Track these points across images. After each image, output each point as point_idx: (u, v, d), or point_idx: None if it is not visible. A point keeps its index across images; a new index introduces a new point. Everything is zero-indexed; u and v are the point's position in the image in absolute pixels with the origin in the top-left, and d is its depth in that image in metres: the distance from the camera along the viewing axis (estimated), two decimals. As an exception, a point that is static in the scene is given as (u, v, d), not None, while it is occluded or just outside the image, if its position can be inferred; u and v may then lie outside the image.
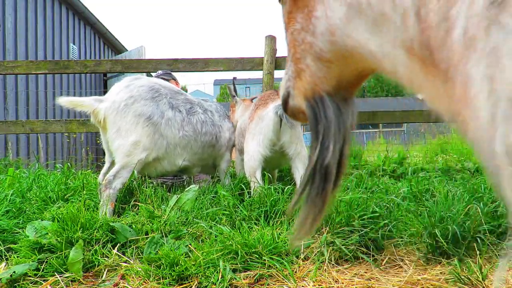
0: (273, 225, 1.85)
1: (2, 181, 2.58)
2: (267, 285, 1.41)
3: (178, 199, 2.06)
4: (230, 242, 1.58)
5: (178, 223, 1.86)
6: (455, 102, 0.40)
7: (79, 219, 1.67)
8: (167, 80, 3.22)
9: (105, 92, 2.44)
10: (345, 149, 0.73)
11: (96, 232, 1.67)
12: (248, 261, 1.52)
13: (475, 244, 1.61)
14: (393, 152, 4.51)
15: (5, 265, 1.57)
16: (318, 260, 1.57)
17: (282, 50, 3.79)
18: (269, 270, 1.48)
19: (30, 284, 1.44)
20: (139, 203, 2.10)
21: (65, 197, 2.32)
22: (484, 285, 1.35)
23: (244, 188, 2.38)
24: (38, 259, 1.54)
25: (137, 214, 1.97)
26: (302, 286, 1.39)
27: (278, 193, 2.13)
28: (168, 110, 2.41)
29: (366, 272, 1.52)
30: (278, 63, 3.72)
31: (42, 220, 1.84)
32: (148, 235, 1.74)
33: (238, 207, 2.07)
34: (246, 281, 1.42)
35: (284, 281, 1.42)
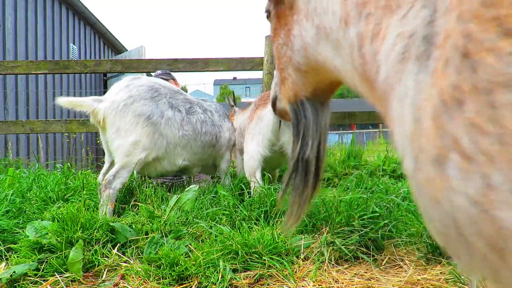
0: (273, 225, 1.85)
1: (2, 181, 2.58)
2: (267, 285, 1.41)
3: (178, 199, 2.06)
4: (230, 242, 1.58)
5: (178, 223, 1.86)
6: (389, 120, 0.52)
7: (79, 219, 1.67)
8: (167, 80, 3.22)
9: (105, 92, 2.44)
10: (322, 145, 0.85)
11: (96, 232, 1.67)
12: (248, 261, 1.52)
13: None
14: (393, 152, 4.51)
15: (5, 265, 1.57)
16: (318, 260, 1.57)
17: (282, 50, 3.79)
18: (269, 270, 1.48)
19: (30, 284, 1.44)
20: (139, 203, 2.10)
21: (65, 197, 2.32)
22: (484, 285, 1.35)
23: (244, 188, 2.38)
24: (38, 259, 1.54)
25: (137, 214, 1.97)
26: (302, 286, 1.39)
27: (278, 193, 2.13)
28: (167, 109, 2.40)
29: (366, 272, 1.52)
30: (278, 63, 3.71)
31: (42, 220, 1.84)
32: (148, 235, 1.74)
33: (238, 207, 2.07)
34: (246, 281, 1.42)
35: (284, 281, 1.42)
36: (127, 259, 1.60)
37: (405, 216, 1.90)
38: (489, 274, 0.36)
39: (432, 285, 1.39)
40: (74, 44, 7.84)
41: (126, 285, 1.42)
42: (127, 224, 1.80)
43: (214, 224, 1.86)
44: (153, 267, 1.49)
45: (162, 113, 2.36)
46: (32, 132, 3.76)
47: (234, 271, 1.48)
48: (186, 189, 2.15)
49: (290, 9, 0.78)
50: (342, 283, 1.42)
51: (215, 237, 1.71)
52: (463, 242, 0.38)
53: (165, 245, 1.63)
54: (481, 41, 0.35)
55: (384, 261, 1.61)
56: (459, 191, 0.36)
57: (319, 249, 1.64)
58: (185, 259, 1.50)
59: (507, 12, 0.34)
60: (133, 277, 1.47)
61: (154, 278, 1.44)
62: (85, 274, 1.53)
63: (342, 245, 1.64)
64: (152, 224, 1.80)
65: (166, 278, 1.42)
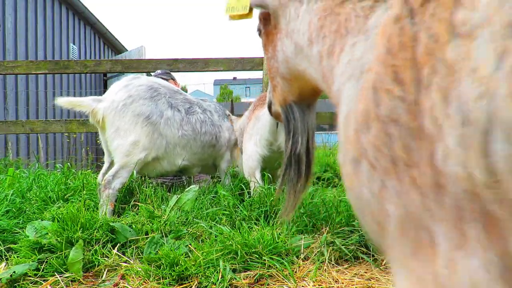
0: (273, 225, 1.85)
1: (2, 181, 2.58)
2: (267, 285, 1.41)
3: (178, 199, 2.06)
4: (230, 242, 1.58)
5: (178, 223, 1.86)
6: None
7: (79, 219, 1.67)
8: (166, 80, 3.22)
9: (105, 92, 2.44)
10: (310, 141, 0.98)
11: (96, 232, 1.67)
12: (248, 261, 1.53)
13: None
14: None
15: (5, 265, 1.57)
16: (318, 260, 1.57)
17: (282, 50, 3.79)
18: (269, 270, 1.48)
19: (30, 284, 1.44)
20: (139, 203, 2.10)
21: (65, 197, 2.32)
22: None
23: (244, 188, 2.38)
24: (38, 259, 1.54)
25: (137, 214, 1.97)
26: (302, 286, 1.39)
27: (279, 200, 2.13)
28: (167, 109, 2.40)
29: (366, 272, 1.52)
30: (278, 63, 3.71)
31: (42, 220, 1.84)
32: (148, 235, 1.74)
33: (238, 207, 2.07)
34: (246, 281, 1.42)
35: (284, 281, 1.42)
36: (127, 259, 1.60)
37: (405, 216, 1.89)
38: (380, 242, 0.53)
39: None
40: (74, 44, 7.84)
41: (126, 285, 1.42)
42: (127, 224, 1.80)
43: (214, 224, 1.86)
44: (153, 267, 1.49)
45: (162, 113, 2.36)
46: (32, 132, 3.76)
47: (234, 271, 1.48)
48: (186, 189, 2.15)
49: (275, 29, 0.93)
50: (342, 283, 1.42)
51: (215, 237, 1.71)
52: (364, 219, 0.56)
53: (165, 245, 1.63)
54: (383, 81, 0.47)
55: (384, 261, 1.61)
56: (366, 186, 0.50)
57: (319, 249, 1.64)
58: (185, 259, 1.50)
59: (400, 63, 0.45)
60: (133, 277, 1.47)
61: (154, 278, 1.44)
62: (85, 274, 1.53)
63: (342, 245, 1.64)
64: (152, 224, 1.80)
65: (166, 278, 1.42)
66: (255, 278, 1.45)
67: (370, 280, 1.45)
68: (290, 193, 0.98)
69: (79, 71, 3.75)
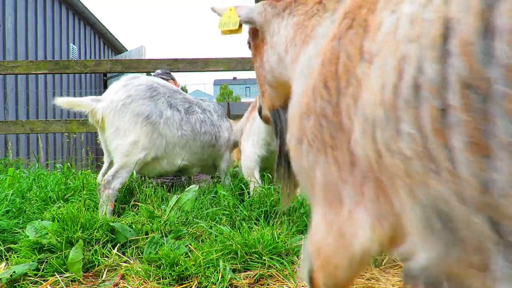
0: (273, 225, 1.85)
1: (2, 181, 2.58)
2: (267, 285, 1.41)
3: (178, 199, 2.06)
4: (230, 242, 1.58)
5: (178, 223, 1.86)
6: None
7: (79, 219, 1.67)
8: (166, 80, 3.22)
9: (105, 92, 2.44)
10: None
11: (96, 232, 1.67)
12: (248, 261, 1.52)
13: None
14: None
15: (5, 265, 1.57)
16: (318, 260, 1.57)
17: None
18: (269, 270, 1.48)
19: (30, 284, 1.44)
20: (139, 203, 2.10)
21: (65, 197, 2.32)
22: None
23: (244, 188, 2.38)
24: (38, 259, 1.54)
25: (137, 214, 1.97)
26: (302, 286, 1.39)
27: (278, 193, 2.13)
28: (166, 109, 2.40)
29: (366, 272, 1.52)
30: (278, 63, 3.71)
31: (42, 220, 1.84)
32: (148, 235, 1.74)
33: (238, 207, 2.07)
34: (246, 281, 1.42)
35: (284, 281, 1.42)
36: (127, 259, 1.60)
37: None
38: (311, 198, 0.73)
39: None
40: (74, 44, 7.84)
41: (126, 285, 1.42)
42: (127, 224, 1.80)
43: (214, 224, 1.86)
44: (153, 267, 1.49)
45: (161, 112, 2.36)
46: (32, 132, 3.76)
47: (234, 271, 1.48)
48: (186, 189, 2.15)
49: (262, 41, 1.08)
50: (342, 283, 1.42)
51: (215, 237, 1.71)
52: (302, 182, 0.74)
53: (165, 245, 1.63)
54: (318, 86, 0.65)
55: (384, 261, 1.61)
56: (304, 158, 0.68)
57: (319, 249, 1.64)
58: (185, 259, 1.50)
59: (328, 74, 0.62)
60: (133, 277, 1.47)
61: (154, 278, 1.44)
62: (85, 274, 1.53)
63: (342, 245, 1.63)
64: (152, 224, 1.80)
65: (166, 278, 1.42)
66: (255, 278, 1.45)
67: (370, 280, 1.45)
68: (284, 186, 1.12)
69: (79, 71, 3.75)
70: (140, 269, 1.48)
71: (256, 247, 1.56)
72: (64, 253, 1.55)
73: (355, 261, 0.61)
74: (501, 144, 0.32)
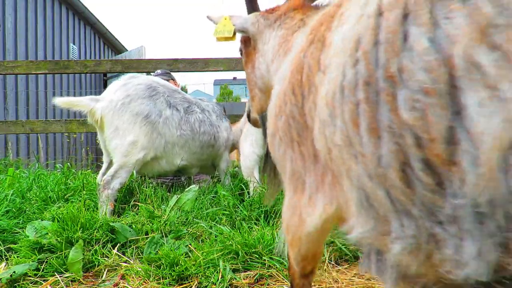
0: (273, 225, 1.85)
1: (2, 181, 2.58)
2: (267, 285, 1.41)
3: (178, 199, 2.05)
4: (230, 242, 1.58)
5: (178, 223, 1.86)
6: None
7: (79, 219, 1.67)
8: (167, 80, 3.21)
9: (105, 92, 2.44)
10: None
11: (96, 232, 1.67)
12: (248, 261, 1.52)
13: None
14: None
15: (5, 265, 1.57)
16: (318, 260, 1.57)
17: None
18: (269, 270, 1.48)
19: (30, 284, 1.44)
20: (139, 203, 2.10)
21: (65, 197, 2.32)
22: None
23: (244, 188, 2.38)
24: (38, 259, 1.54)
25: (137, 214, 1.97)
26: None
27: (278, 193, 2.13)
28: (165, 108, 2.40)
29: (366, 272, 1.52)
30: (278, 63, 3.71)
31: (42, 220, 1.84)
32: (148, 235, 1.74)
33: (238, 207, 2.07)
34: (246, 281, 1.42)
35: (284, 281, 1.42)
36: (127, 259, 1.60)
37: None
38: (284, 183, 0.85)
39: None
40: (74, 44, 7.83)
41: (126, 285, 1.42)
42: (127, 224, 1.80)
43: (214, 224, 1.86)
44: (153, 267, 1.49)
45: (160, 112, 2.36)
46: (32, 132, 3.76)
47: (234, 271, 1.48)
48: (186, 189, 2.15)
49: (254, 49, 1.18)
50: (342, 283, 1.42)
51: (215, 237, 1.71)
52: (279, 169, 0.86)
53: (165, 245, 1.63)
54: (287, 91, 0.77)
55: (384, 261, 1.61)
56: (277, 151, 0.82)
57: (319, 249, 1.64)
58: (185, 259, 1.50)
59: (295, 82, 0.73)
60: (133, 277, 1.47)
61: (154, 278, 1.44)
62: (85, 274, 1.53)
63: (342, 245, 1.64)
64: (152, 224, 1.80)
65: (166, 278, 1.42)
66: (255, 278, 1.45)
67: (370, 280, 1.45)
68: (270, 183, 1.21)
69: (79, 71, 3.75)
70: (140, 269, 1.48)
71: (256, 247, 1.56)
72: (64, 253, 1.55)
73: (312, 236, 0.77)
74: (384, 127, 0.42)
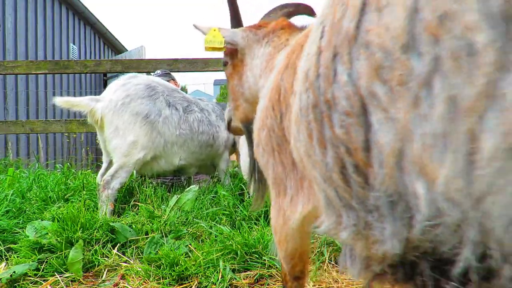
0: (273, 225, 1.85)
1: (2, 181, 2.58)
2: (267, 285, 1.41)
3: (178, 199, 2.06)
4: (230, 242, 1.58)
5: (178, 223, 1.86)
6: None
7: (79, 219, 1.67)
8: (167, 81, 3.22)
9: (105, 92, 2.44)
10: None
11: (96, 232, 1.67)
12: (248, 261, 1.52)
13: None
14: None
15: (5, 265, 1.57)
16: (318, 260, 1.57)
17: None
18: (269, 270, 1.48)
19: (30, 284, 1.44)
20: (139, 203, 2.10)
21: (65, 197, 2.32)
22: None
23: (244, 188, 2.38)
24: (38, 259, 1.54)
25: (137, 214, 1.97)
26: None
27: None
28: (165, 108, 2.40)
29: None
30: (278, 63, 3.71)
31: (42, 220, 1.84)
32: (148, 235, 1.74)
33: (238, 207, 2.07)
34: (246, 281, 1.42)
35: (284, 281, 1.42)
36: (127, 259, 1.60)
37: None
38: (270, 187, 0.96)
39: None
40: (74, 44, 7.83)
41: (126, 285, 1.42)
42: (127, 224, 1.80)
43: (214, 224, 1.86)
44: (153, 267, 1.49)
45: (160, 111, 2.36)
46: (32, 132, 3.76)
47: (234, 271, 1.48)
48: (186, 189, 2.15)
49: (241, 62, 1.25)
50: (342, 283, 1.42)
51: (215, 237, 1.71)
52: (265, 175, 0.96)
53: (165, 245, 1.63)
54: (268, 108, 0.87)
55: (384, 261, 1.61)
56: (261, 159, 0.92)
57: (319, 249, 1.64)
58: (185, 259, 1.50)
59: (274, 100, 0.83)
60: (133, 277, 1.47)
61: (154, 278, 1.44)
62: (85, 274, 1.53)
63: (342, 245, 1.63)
64: (152, 224, 1.80)
65: (166, 278, 1.42)
66: (255, 278, 1.45)
67: (370, 280, 1.45)
68: (256, 189, 1.28)
69: (79, 71, 3.75)
70: (140, 269, 1.48)
71: (256, 247, 1.56)
72: (64, 253, 1.55)
73: (295, 233, 0.87)
74: (327, 140, 0.52)
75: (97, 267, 1.56)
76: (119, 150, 2.22)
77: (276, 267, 1.48)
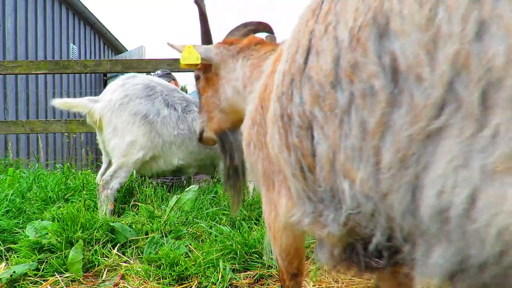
0: (273, 225, 1.85)
1: (2, 181, 2.58)
2: (267, 285, 1.41)
3: (178, 199, 2.05)
4: (230, 242, 1.58)
5: (178, 223, 1.86)
6: None
7: (79, 219, 1.67)
8: (168, 81, 3.21)
9: (105, 92, 2.44)
10: (242, 155, 1.24)
11: (96, 232, 1.67)
12: (248, 261, 1.52)
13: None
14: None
15: (5, 265, 1.57)
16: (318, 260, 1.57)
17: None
18: (269, 270, 1.48)
19: (30, 284, 1.44)
20: (139, 203, 2.10)
21: (65, 197, 2.32)
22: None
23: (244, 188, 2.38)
24: (38, 259, 1.54)
25: (137, 214, 1.97)
26: (302, 286, 1.39)
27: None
28: (163, 108, 2.40)
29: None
30: (278, 63, 3.71)
31: (42, 220, 1.84)
32: (148, 235, 1.74)
33: (238, 207, 2.07)
34: (246, 281, 1.42)
35: (284, 281, 1.41)
36: (127, 259, 1.60)
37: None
38: (259, 184, 1.01)
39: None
40: (74, 44, 7.83)
41: (126, 285, 1.42)
42: (127, 224, 1.80)
43: (214, 224, 1.86)
44: (153, 267, 1.49)
45: (158, 111, 2.36)
46: (32, 132, 3.76)
47: (234, 271, 1.48)
48: (186, 189, 2.15)
49: (216, 76, 1.32)
50: (342, 283, 1.42)
51: (215, 237, 1.71)
52: (252, 172, 1.03)
53: (165, 245, 1.63)
54: (255, 115, 0.97)
55: (384, 261, 1.61)
56: (251, 155, 0.99)
57: (319, 249, 1.64)
58: (185, 259, 1.50)
59: (258, 108, 0.96)
60: (133, 277, 1.47)
61: (154, 278, 1.44)
62: (85, 274, 1.53)
63: (342, 245, 1.63)
64: (152, 224, 1.80)
65: (166, 278, 1.42)
66: (255, 278, 1.45)
67: (370, 280, 1.45)
68: (233, 195, 1.36)
69: (79, 71, 3.75)
70: (140, 269, 1.48)
71: (256, 247, 1.56)
72: (64, 253, 1.55)
73: (286, 226, 0.90)
74: (291, 144, 0.64)
75: (97, 267, 1.56)
76: (118, 150, 2.22)
77: (276, 267, 1.48)
